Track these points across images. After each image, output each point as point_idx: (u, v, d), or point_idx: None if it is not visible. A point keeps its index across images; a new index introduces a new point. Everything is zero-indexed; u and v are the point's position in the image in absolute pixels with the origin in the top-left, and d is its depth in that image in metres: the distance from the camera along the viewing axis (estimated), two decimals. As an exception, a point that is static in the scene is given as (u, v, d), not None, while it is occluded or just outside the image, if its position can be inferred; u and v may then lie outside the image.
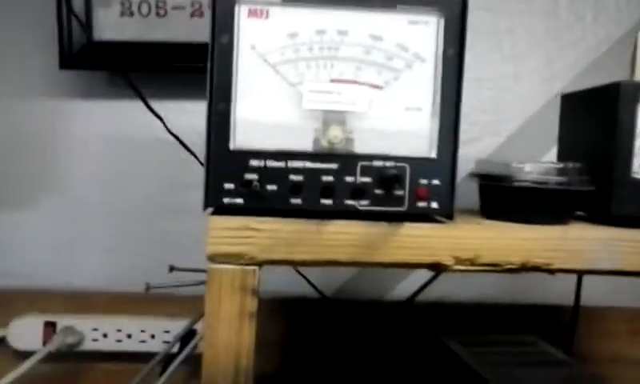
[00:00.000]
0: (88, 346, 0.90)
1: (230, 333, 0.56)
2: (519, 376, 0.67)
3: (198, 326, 0.87)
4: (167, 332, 0.91)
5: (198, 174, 0.58)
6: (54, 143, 0.95)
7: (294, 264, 0.57)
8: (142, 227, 0.96)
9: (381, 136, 0.56)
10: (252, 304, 0.56)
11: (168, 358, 0.82)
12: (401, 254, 0.57)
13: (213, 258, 0.55)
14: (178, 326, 0.90)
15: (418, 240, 0.57)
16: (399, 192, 0.56)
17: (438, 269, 0.58)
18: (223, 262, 0.55)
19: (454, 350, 0.72)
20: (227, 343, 0.56)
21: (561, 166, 0.61)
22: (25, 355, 0.86)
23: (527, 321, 0.95)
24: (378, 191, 0.56)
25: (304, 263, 0.57)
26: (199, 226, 0.56)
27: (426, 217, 0.58)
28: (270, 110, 0.55)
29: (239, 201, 0.54)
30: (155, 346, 0.90)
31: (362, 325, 0.95)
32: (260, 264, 0.56)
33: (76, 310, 0.91)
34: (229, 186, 0.54)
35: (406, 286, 0.99)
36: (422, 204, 0.56)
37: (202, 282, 0.67)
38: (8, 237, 0.94)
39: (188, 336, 0.85)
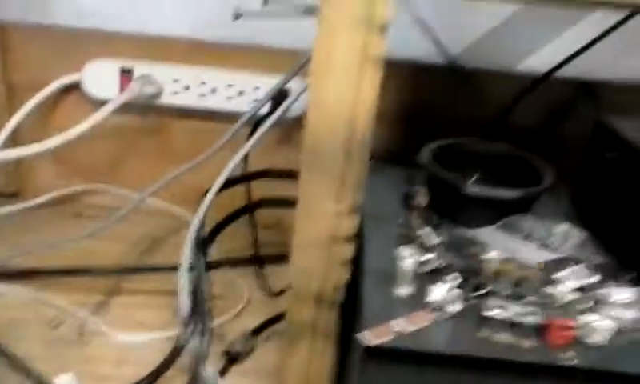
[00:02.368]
0: (167, 99, 0.79)
1: (345, 84, 0.41)
2: None
3: (293, 84, 0.73)
4: (257, 88, 0.78)
5: None
6: None
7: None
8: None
9: None
10: (378, 44, 0.40)
11: (257, 120, 0.70)
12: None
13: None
14: (270, 82, 0.77)
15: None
16: None
17: None
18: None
19: (627, 138, 0.55)
20: (340, 98, 0.42)
21: None
22: (101, 103, 0.77)
23: None
24: None
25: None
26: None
27: None
28: None
29: None
30: (243, 105, 0.78)
31: (493, 98, 0.78)
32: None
33: (153, 57, 0.79)
34: None
35: (545, 56, 0.80)
36: None
37: (310, 12, 0.51)
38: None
39: (281, 95, 0.72)
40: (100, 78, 0.78)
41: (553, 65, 0.77)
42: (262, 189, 0.74)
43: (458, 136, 0.67)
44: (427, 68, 0.79)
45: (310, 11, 0.51)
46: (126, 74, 0.78)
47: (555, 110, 0.81)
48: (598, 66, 0.79)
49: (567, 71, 0.77)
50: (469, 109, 0.79)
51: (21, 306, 0.66)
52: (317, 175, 0.45)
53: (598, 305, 0.45)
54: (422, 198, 0.55)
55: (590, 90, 0.79)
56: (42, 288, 0.68)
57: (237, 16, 0.58)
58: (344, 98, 0.42)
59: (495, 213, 0.55)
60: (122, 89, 0.77)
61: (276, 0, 0.57)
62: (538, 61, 0.81)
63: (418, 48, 0.77)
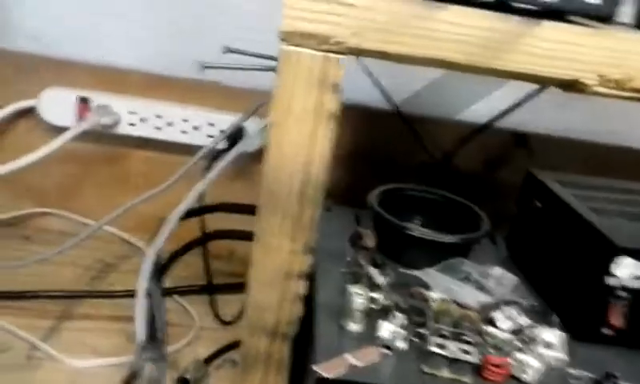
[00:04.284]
0: (124, 129, 0.81)
1: (302, 134, 0.45)
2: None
3: (248, 124, 0.76)
4: (212, 124, 0.81)
5: None
6: None
7: (387, 57, 0.44)
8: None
9: None
10: (332, 101, 0.44)
11: (214, 154, 0.73)
12: (529, 62, 0.44)
13: (288, 38, 0.42)
14: (224, 119, 0.80)
15: (556, 47, 0.43)
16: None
17: (573, 88, 0.45)
18: (300, 45, 0.43)
19: (552, 189, 0.61)
20: (297, 146, 0.45)
21: None
22: (56, 130, 0.78)
23: (624, 165, 0.83)
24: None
25: (400, 57, 0.44)
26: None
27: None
28: None
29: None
30: (198, 138, 0.81)
31: (436, 144, 0.84)
32: (346, 53, 0.43)
33: (110, 87, 0.81)
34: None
35: (483, 106, 0.87)
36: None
37: (269, 69, 0.55)
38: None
39: (237, 132, 0.75)
40: (56, 104, 0.79)
41: (490, 115, 0.83)
42: (215, 219, 0.77)
43: (403, 178, 0.72)
44: (374, 113, 0.84)
45: (269, 68, 0.55)
46: (82, 103, 0.79)
47: (492, 157, 0.88)
48: (531, 119, 0.86)
49: (504, 122, 0.84)
50: (412, 153, 0.84)
51: (-34, 328, 0.66)
52: (273, 215, 0.48)
53: (530, 344, 0.50)
54: (369, 239, 0.59)
55: (523, 141, 0.86)
56: (-11, 311, 0.68)
57: (201, 67, 0.61)
58: (300, 145, 0.45)
59: (436, 255, 0.59)
60: (79, 117, 0.79)
61: (237, 50, 0.60)
62: (476, 111, 0.87)
63: (365, 94, 0.82)
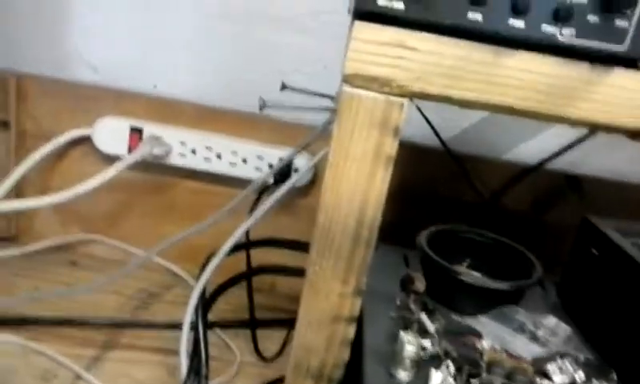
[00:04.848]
0: (174, 159, 0.82)
1: (359, 177, 0.44)
2: None
3: (297, 160, 0.76)
4: (260, 158, 0.81)
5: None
6: None
7: (451, 102, 0.43)
8: (241, 30, 0.82)
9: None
10: (392, 146, 0.44)
11: (262, 188, 0.73)
12: (601, 111, 0.42)
13: (350, 80, 0.42)
14: (272, 152, 0.80)
15: (627, 95, 0.42)
16: (622, 23, 0.39)
17: (642, 137, 0.44)
18: (362, 87, 0.42)
19: (612, 238, 0.59)
20: (353, 189, 0.45)
21: None
22: (109, 158, 0.79)
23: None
24: (591, 17, 0.39)
25: (465, 103, 0.43)
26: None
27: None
28: None
29: (399, 6, 0.39)
30: (246, 171, 0.81)
31: (484, 184, 0.82)
32: (409, 96, 0.42)
33: (162, 117, 0.82)
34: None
35: (532, 146, 0.85)
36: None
37: (327, 109, 0.56)
38: (98, 27, 0.83)
39: (284, 168, 0.75)
40: (110, 134, 0.81)
41: (539, 154, 0.81)
42: (259, 253, 0.76)
43: (449, 217, 0.71)
44: (422, 150, 0.83)
45: (327, 109, 0.55)
46: (135, 133, 0.81)
47: (541, 198, 0.86)
48: (582, 160, 0.84)
49: (555, 163, 0.82)
50: (460, 192, 0.83)
51: (12, 354, 0.66)
52: (326, 257, 0.47)
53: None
54: (419, 283, 0.57)
55: (576, 183, 0.84)
56: (35, 337, 0.68)
57: (262, 106, 0.61)
58: (357, 188, 0.45)
59: (488, 301, 0.57)
60: (131, 146, 0.80)
61: (293, 87, 0.60)
62: (525, 151, 0.86)
63: (413, 130, 0.81)
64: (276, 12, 0.80)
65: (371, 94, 0.42)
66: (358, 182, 0.45)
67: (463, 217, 0.75)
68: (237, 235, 0.63)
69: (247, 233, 0.69)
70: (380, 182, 0.45)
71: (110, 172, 0.71)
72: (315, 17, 0.79)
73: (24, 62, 0.83)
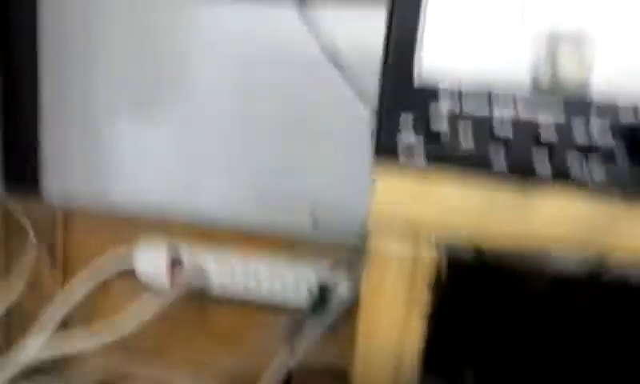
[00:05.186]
0: (215, 289, 0.82)
1: (391, 329, 0.43)
2: None
3: (337, 284, 0.75)
4: (300, 282, 0.80)
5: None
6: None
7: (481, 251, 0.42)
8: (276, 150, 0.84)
9: (636, 74, 0.38)
10: (424, 294, 0.42)
11: (300, 315, 0.72)
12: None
13: (377, 229, 0.41)
14: (310, 275, 0.79)
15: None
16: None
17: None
18: (390, 237, 0.41)
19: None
20: (387, 344, 0.43)
21: None
22: (151, 288, 0.80)
23: None
24: (620, 157, 0.38)
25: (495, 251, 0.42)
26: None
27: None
28: (475, 28, 0.39)
29: (420, 160, 0.39)
30: (285, 295, 0.80)
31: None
32: (439, 244, 0.42)
33: (201, 240, 0.83)
34: (408, 137, 0.39)
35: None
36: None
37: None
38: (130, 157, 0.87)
39: (324, 290, 0.74)
40: (150, 265, 0.82)
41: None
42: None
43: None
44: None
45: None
46: (175, 265, 0.82)
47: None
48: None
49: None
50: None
51: None
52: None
53: None
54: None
55: None
56: None
57: (314, 223, 0.61)
58: (390, 339, 0.43)
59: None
60: (172, 279, 0.81)
61: (325, 221, 0.60)
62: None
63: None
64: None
65: (398, 249, 0.41)
66: (390, 335, 0.43)
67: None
68: (280, 367, 0.62)
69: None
70: (415, 334, 0.43)
71: (151, 309, 0.72)
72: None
73: (70, 197, 0.86)
